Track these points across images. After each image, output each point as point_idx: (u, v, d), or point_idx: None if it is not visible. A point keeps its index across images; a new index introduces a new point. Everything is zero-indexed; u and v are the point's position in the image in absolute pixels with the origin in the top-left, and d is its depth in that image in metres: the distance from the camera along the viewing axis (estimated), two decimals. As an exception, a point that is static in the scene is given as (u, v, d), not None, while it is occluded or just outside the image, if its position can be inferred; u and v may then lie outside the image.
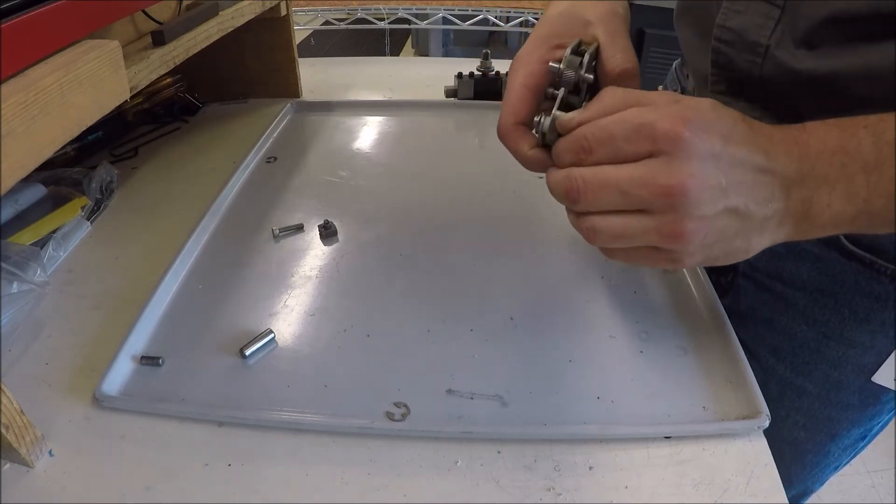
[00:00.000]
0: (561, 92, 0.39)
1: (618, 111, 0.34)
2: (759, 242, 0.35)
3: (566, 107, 0.39)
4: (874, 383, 0.52)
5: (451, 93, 0.86)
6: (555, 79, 0.40)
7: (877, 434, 0.60)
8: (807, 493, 0.64)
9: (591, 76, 0.39)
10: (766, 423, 0.39)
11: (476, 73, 0.84)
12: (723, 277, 0.54)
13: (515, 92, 0.41)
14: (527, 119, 0.40)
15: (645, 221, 0.33)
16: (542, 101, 0.41)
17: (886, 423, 0.58)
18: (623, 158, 0.33)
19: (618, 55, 0.40)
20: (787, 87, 0.44)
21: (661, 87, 0.69)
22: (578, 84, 0.39)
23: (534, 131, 0.39)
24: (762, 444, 0.39)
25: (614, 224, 0.34)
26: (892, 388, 0.52)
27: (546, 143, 0.38)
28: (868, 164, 0.33)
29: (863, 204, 0.33)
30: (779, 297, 0.53)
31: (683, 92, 0.63)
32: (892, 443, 1.46)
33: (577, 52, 0.40)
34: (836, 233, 0.35)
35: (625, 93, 0.35)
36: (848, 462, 0.63)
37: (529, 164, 0.41)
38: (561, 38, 0.42)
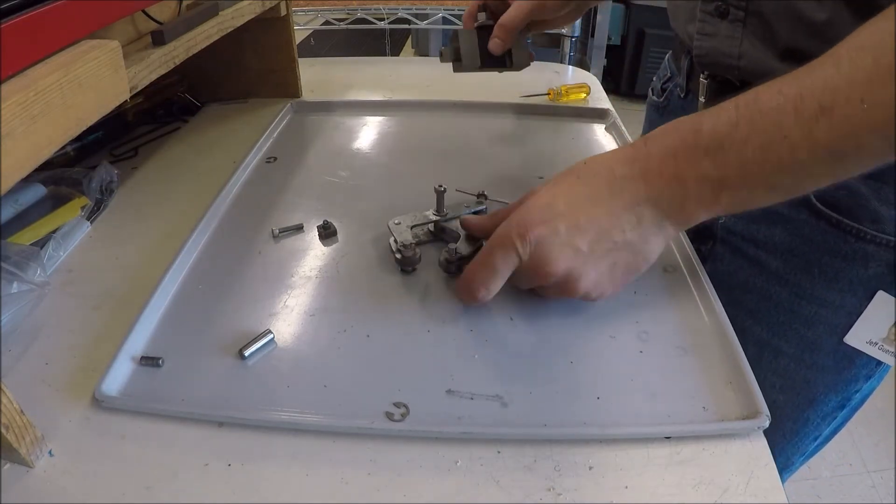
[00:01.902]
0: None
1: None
2: (655, 246, 0.43)
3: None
4: (846, 345, 0.53)
5: (451, 55, 0.70)
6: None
7: (857, 406, 0.61)
8: (789, 465, 0.65)
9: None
10: (766, 424, 0.39)
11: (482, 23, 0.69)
12: (703, 246, 0.58)
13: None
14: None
15: (547, 294, 0.46)
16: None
17: (866, 395, 0.59)
18: (506, 276, 0.45)
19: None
20: (769, 5, 0.48)
21: (654, 79, 0.73)
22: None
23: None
24: (762, 444, 0.39)
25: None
26: (863, 349, 0.53)
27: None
28: (709, 148, 0.38)
29: (717, 182, 0.38)
30: (753, 261, 0.56)
31: (672, 76, 0.67)
32: (892, 443, 1.46)
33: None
34: (714, 211, 0.40)
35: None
36: (829, 434, 0.64)
37: None
38: None
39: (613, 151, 0.43)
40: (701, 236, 0.59)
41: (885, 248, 0.50)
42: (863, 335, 0.53)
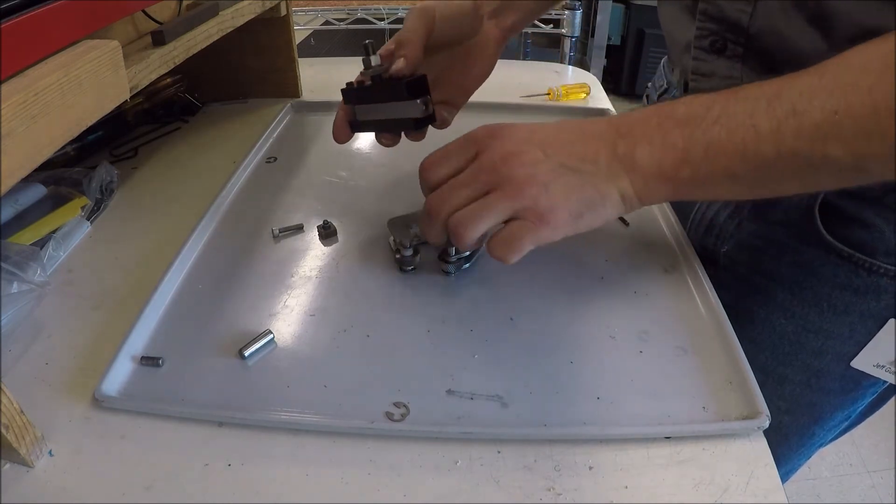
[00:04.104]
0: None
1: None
2: (610, 189, 0.41)
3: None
4: (854, 369, 0.52)
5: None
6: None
7: (863, 416, 0.60)
8: (793, 469, 0.65)
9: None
10: (766, 424, 0.39)
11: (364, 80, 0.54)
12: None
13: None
14: None
15: (493, 196, 0.40)
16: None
17: (871, 402, 0.58)
18: (459, 167, 0.43)
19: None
20: (770, 41, 0.46)
21: (649, 84, 0.71)
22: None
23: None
24: (762, 444, 0.39)
25: (471, 209, 0.41)
26: (869, 372, 0.52)
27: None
28: (680, 121, 0.38)
29: (682, 153, 0.38)
30: (758, 290, 0.54)
31: (668, 87, 0.64)
32: (892, 443, 1.46)
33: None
34: (674, 186, 0.40)
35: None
36: (832, 440, 0.63)
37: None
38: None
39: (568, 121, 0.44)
40: (703, 262, 0.57)
41: None
42: (870, 359, 0.51)
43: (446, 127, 0.58)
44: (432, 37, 0.52)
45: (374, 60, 0.50)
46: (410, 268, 0.53)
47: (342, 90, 0.55)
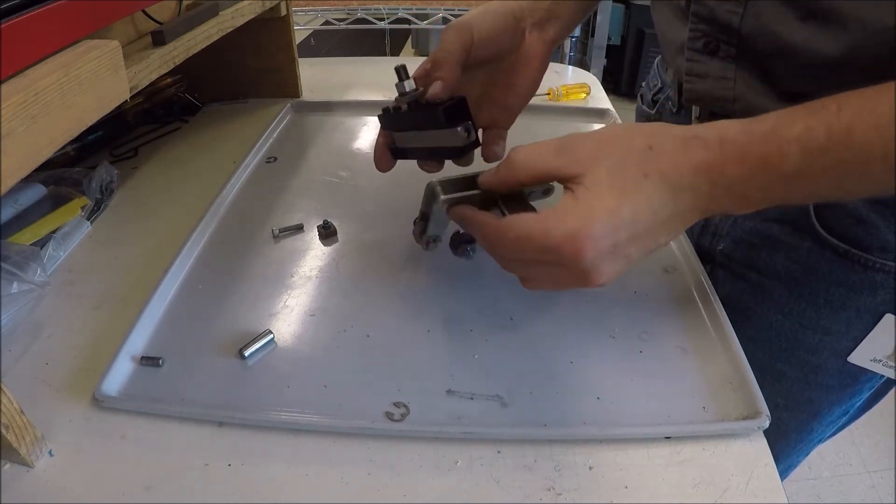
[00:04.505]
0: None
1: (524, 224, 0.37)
2: (672, 238, 0.39)
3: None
4: (851, 364, 0.52)
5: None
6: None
7: (862, 410, 0.60)
8: (792, 466, 0.65)
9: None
10: (766, 424, 0.39)
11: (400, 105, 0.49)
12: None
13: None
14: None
15: (564, 278, 0.38)
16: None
17: (870, 396, 0.59)
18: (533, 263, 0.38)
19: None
20: (762, 41, 0.45)
21: (643, 84, 0.71)
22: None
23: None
24: (762, 444, 0.39)
25: (542, 282, 0.39)
26: (866, 366, 0.52)
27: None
28: (790, 176, 0.34)
29: (782, 199, 0.36)
30: (755, 287, 0.54)
31: (663, 86, 0.64)
32: (892, 443, 1.46)
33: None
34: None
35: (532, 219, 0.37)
36: (831, 436, 0.63)
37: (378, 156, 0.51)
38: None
39: (684, 146, 0.36)
40: (700, 260, 0.57)
41: (894, 276, 0.48)
42: (867, 354, 0.51)
43: (498, 160, 0.48)
44: (471, 56, 0.48)
45: (409, 85, 0.46)
46: (425, 244, 0.50)
47: (379, 116, 0.51)
